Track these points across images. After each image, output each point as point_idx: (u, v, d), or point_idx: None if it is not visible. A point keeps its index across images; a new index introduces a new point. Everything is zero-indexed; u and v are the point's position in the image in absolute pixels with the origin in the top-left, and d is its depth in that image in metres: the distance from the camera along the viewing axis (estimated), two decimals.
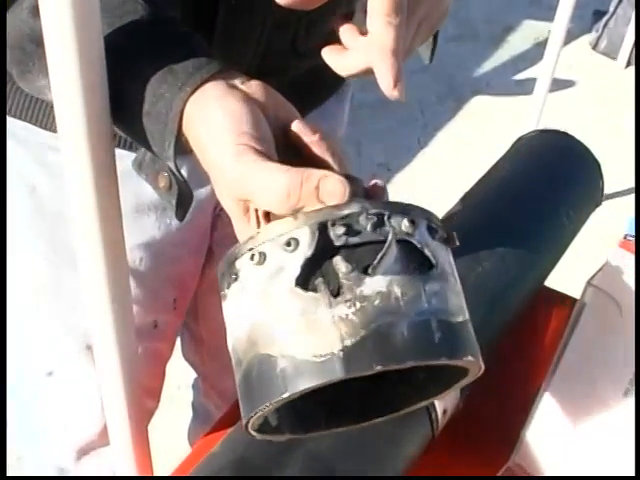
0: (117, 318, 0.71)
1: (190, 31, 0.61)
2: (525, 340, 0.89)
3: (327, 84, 0.97)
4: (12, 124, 0.82)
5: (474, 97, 3.14)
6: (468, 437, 0.79)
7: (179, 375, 1.32)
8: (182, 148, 0.57)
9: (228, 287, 0.52)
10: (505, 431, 0.80)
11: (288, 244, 0.49)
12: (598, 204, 0.97)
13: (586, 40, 3.48)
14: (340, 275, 0.48)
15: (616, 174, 1.74)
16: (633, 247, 0.61)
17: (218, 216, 0.97)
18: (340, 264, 0.49)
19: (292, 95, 0.77)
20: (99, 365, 0.76)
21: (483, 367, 0.53)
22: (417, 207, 0.52)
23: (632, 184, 2.43)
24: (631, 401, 0.66)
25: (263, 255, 0.50)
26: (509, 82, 3.21)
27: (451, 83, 3.19)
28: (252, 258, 0.50)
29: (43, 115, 0.80)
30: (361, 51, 0.61)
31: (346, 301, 0.48)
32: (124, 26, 0.59)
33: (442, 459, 0.78)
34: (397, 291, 0.48)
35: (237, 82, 0.57)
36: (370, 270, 0.48)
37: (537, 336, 0.90)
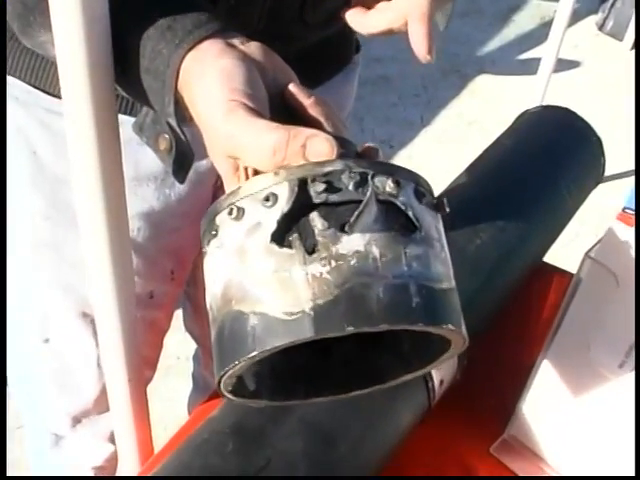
0: (118, 284, 0.71)
1: None
2: (523, 314, 0.89)
3: (334, 59, 0.97)
4: (15, 86, 0.82)
5: (478, 75, 3.13)
6: (464, 408, 0.80)
7: (178, 346, 1.33)
8: (181, 106, 0.57)
9: (208, 244, 0.52)
10: (501, 403, 0.80)
11: (267, 199, 0.48)
12: (599, 181, 0.97)
13: (592, 21, 3.47)
14: (316, 232, 0.47)
15: (618, 155, 1.74)
16: (631, 220, 0.61)
17: (219, 188, 0.97)
18: (316, 220, 0.48)
19: (297, 68, 0.77)
20: (99, 330, 0.77)
21: (467, 340, 0.51)
22: (405, 169, 0.51)
23: (634, 164, 2.43)
24: (627, 374, 0.67)
25: (242, 210, 0.49)
26: (514, 61, 3.21)
27: (455, 60, 3.18)
28: (230, 212, 0.50)
29: (47, 77, 0.80)
30: (383, 12, 0.65)
31: (321, 259, 0.46)
32: None
33: (438, 429, 0.78)
34: (375, 251, 0.47)
35: (236, 42, 0.57)
36: (347, 228, 0.47)
37: (535, 310, 0.91)
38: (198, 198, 0.94)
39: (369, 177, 0.49)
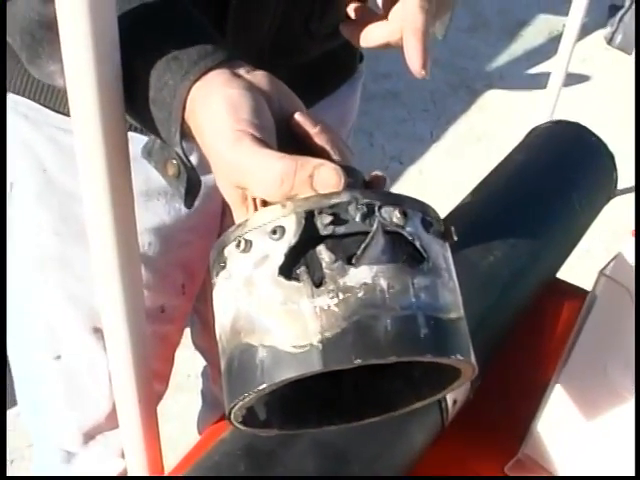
0: (128, 300, 0.71)
1: (199, 15, 0.61)
2: (536, 331, 0.88)
3: (339, 71, 0.97)
4: (24, 105, 0.82)
5: (487, 90, 3.13)
6: (478, 428, 0.79)
7: (188, 364, 1.32)
8: (188, 135, 0.58)
9: (217, 275, 0.52)
10: (515, 422, 0.80)
11: (274, 232, 0.48)
12: (611, 196, 0.97)
13: (601, 35, 3.46)
14: (323, 265, 0.47)
15: (630, 169, 1.73)
16: None
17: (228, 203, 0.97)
18: (324, 253, 0.48)
19: (304, 80, 0.77)
20: (109, 346, 0.76)
21: (476, 369, 0.51)
22: (412, 199, 0.51)
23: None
24: None
25: (249, 243, 0.49)
26: (523, 76, 3.20)
27: (464, 75, 3.18)
28: (238, 245, 0.50)
29: (56, 98, 0.81)
30: (380, 26, 0.65)
31: (329, 292, 0.47)
32: (133, 10, 0.59)
33: (452, 449, 0.78)
34: (383, 283, 0.47)
35: (242, 71, 0.57)
36: (354, 260, 0.47)
37: (548, 327, 0.90)
38: (208, 212, 0.94)
39: (376, 208, 0.49)
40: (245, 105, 0.54)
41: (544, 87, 2.40)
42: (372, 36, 0.67)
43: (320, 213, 0.48)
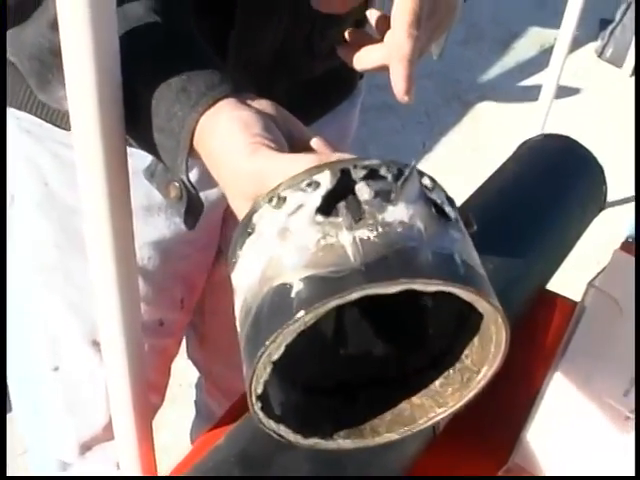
0: (125, 314, 0.72)
1: (205, 46, 0.63)
2: (526, 341, 0.89)
3: (340, 87, 0.98)
4: (26, 121, 0.83)
5: (480, 102, 3.14)
6: (468, 437, 0.80)
7: (181, 374, 1.32)
8: (193, 159, 0.59)
9: (241, 247, 0.51)
10: (505, 432, 0.80)
11: (309, 185, 0.48)
12: (601, 208, 0.98)
13: (592, 48, 3.48)
14: (362, 202, 0.47)
15: (620, 182, 1.75)
16: (634, 250, 0.61)
17: (229, 215, 0.98)
18: (363, 189, 0.47)
19: (306, 97, 0.78)
20: (106, 359, 0.77)
21: (508, 336, 0.51)
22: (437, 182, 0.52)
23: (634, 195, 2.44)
24: (632, 402, 0.67)
25: (282, 198, 0.49)
26: (515, 88, 3.22)
27: (457, 87, 3.19)
28: (270, 201, 0.49)
29: (58, 113, 0.81)
30: (374, 50, 0.67)
31: (368, 225, 0.46)
32: (141, 41, 0.61)
33: (443, 458, 0.78)
34: (420, 224, 0.47)
35: (248, 99, 0.59)
36: (392, 197, 0.47)
37: (538, 338, 0.91)
38: (208, 226, 0.95)
39: (406, 172, 0.49)
40: (257, 123, 0.55)
41: (536, 99, 2.43)
42: (367, 59, 0.68)
43: (355, 168, 0.49)
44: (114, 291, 0.70)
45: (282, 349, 0.46)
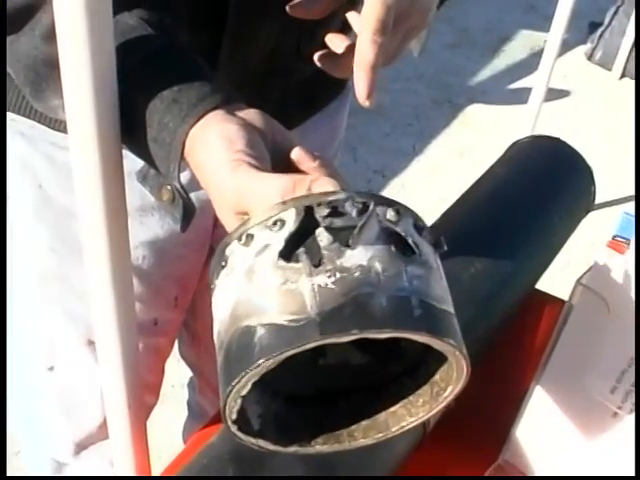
0: (120, 313, 0.72)
1: (196, 57, 0.64)
2: (516, 340, 0.90)
3: (330, 87, 0.99)
4: (20, 123, 0.84)
5: (470, 105, 3.15)
6: (458, 435, 0.80)
7: (173, 374, 1.33)
8: (186, 167, 0.61)
9: (217, 277, 0.53)
10: (495, 429, 0.81)
11: (274, 224, 0.50)
12: (590, 209, 0.99)
13: (581, 51, 3.50)
14: (322, 247, 0.49)
15: (608, 184, 1.76)
16: (622, 247, 0.62)
17: None
18: (322, 235, 0.49)
19: (297, 98, 0.79)
20: (101, 359, 0.78)
21: (469, 365, 0.52)
22: (405, 206, 0.53)
23: (624, 193, 2.45)
24: (618, 399, 0.68)
25: (250, 236, 0.51)
26: (505, 91, 3.23)
27: (447, 91, 3.21)
28: (240, 239, 0.51)
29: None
30: (347, 56, 0.67)
31: (326, 271, 0.48)
32: (133, 52, 0.62)
33: (433, 456, 0.79)
34: (378, 266, 0.48)
35: (236, 110, 0.61)
36: (351, 241, 0.49)
37: (528, 337, 0.92)
38: (201, 225, 0.95)
39: (371, 206, 0.51)
40: (241, 139, 0.57)
41: (526, 102, 2.45)
42: (338, 66, 0.70)
43: (319, 206, 0.50)
44: (109, 291, 0.70)
45: (249, 386, 0.49)
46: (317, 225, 0.50)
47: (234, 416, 0.52)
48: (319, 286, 0.47)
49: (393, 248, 0.50)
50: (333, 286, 0.47)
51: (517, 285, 0.86)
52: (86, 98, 0.58)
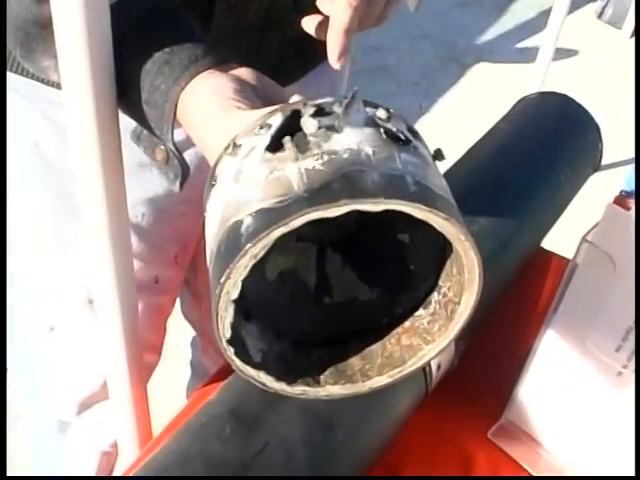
0: (118, 271, 0.72)
1: (189, 18, 0.64)
2: (520, 299, 0.89)
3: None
4: (16, 80, 0.82)
5: (477, 64, 3.13)
6: (462, 394, 0.80)
7: (177, 334, 1.33)
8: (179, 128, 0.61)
9: (208, 198, 0.52)
10: (498, 388, 0.81)
11: (261, 128, 0.49)
12: (597, 167, 0.97)
13: (591, 9, 3.46)
14: (308, 134, 0.47)
15: (616, 143, 1.74)
16: (628, 203, 0.61)
17: None
18: (308, 122, 0.48)
19: (294, 53, 0.77)
20: (100, 319, 0.77)
21: (478, 259, 0.50)
22: (398, 113, 0.51)
23: (632, 154, 2.43)
24: (623, 357, 0.67)
25: (238, 145, 0.50)
26: (512, 50, 3.20)
27: (454, 50, 3.18)
28: (227, 149, 0.50)
29: None
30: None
31: (314, 155, 0.46)
32: (125, 15, 0.62)
33: (435, 415, 0.79)
34: (368, 149, 0.47)
35: (228, 70, 0.60)
36: (336, 123, 0.47)
37: (532, 295, 0.91)
38: (201, 182, 0.94)
39: (360, 105, 0.49)
40: (229, 88, 0.58)
41: (533, 61, 2.41)
42: (319, 29, 0.70)
43: (304, 106, 0.49)
44: (107, 249, 0.70)
45: (239, 286, 0.46)
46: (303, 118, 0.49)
47: (228, 332, 0.49)
48: (306, 169, 0.46)
49: (383, 134, 0.48)
50: (321, 167, 0.46)
51: (522, 242, 0.85)
52: (80, 54, 0.58)
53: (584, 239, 0.65)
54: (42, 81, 0.82)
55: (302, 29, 0.87)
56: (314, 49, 0.94)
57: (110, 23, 0.59)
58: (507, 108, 1.01)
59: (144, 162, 0.87)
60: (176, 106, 0.59)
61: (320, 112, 0.49)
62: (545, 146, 0.89)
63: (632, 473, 0.69)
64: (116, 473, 1.10)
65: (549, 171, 0.88)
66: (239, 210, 0.46)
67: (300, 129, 0.48)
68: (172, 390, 1.62)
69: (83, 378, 1.04)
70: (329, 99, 0.50)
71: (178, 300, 1.30)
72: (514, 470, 0.78)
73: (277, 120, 0.49)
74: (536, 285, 0.92)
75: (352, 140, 0.47)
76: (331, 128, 0.47)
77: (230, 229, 0.46)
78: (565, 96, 0.98)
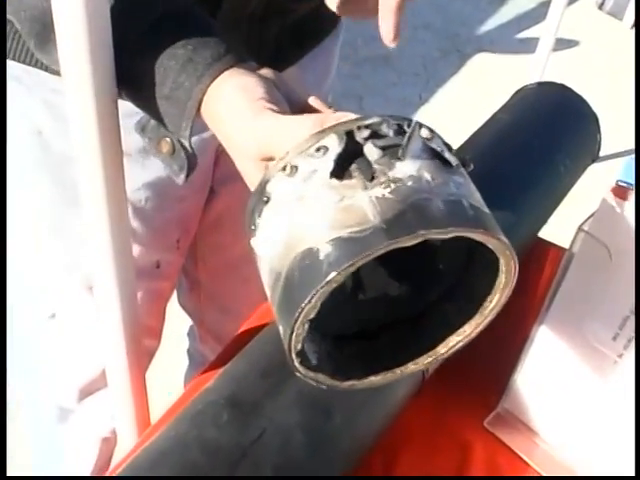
0: (118, 258, 0.72)
1: (208, 17, 0.65)
2: (517, 289, 0.89)
3: (323, 24, 0.99)
4: (16, 68, 0.82)
5: (477, 54, 3.12)
6: (458, 382, 0.80)
7: (175, 323, 1.33)
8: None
9: (260, 214, 0.53)
10: (495, 377, 0.81)
11: (317, 150, 0.51)
12: (595, 157, 0.98)
13: (592, 0, 3.45)
14: (372, 162, 0.50)
15: (615, 134, 1.74)
16: (625, 193, 0.61)
17: (220, 154, 0.98)
18: (372, 151, 0.50)
19: (293, 36, 0.78)
20: (99, 302, 0.78)
21: (516, 267, 0.54)
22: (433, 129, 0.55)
23: (631, 145, 2.43)
24: (620, 346, 0.67)
25: (295, 167, 0.52)
26: (512, 40, 3.20)
27: (455, 40, 3.17)
28: (284, 169, 0.52)
29: None
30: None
31: (381, 183, 0.49)
32: (141, 14, 0.63)
33: (432, 402, 0.79)
34: (427, 176, 0.50)
35: (249, 67, 0.62)
36: (400, 154, 0.50)
37: (529, 285, 0.91)
38: (202, 165, 0.95)
39: (405, 126, 0.52)
40: (259, 88, 0.59)
41: (534, 52, 2.41)
42: (352, 7, 0.70)
43: (358, 129, 0.52)
44: (106, 235, 0.71)
45: (317, 308, 0.50)
46: (360, 146, 0.51)
47: (299, 346, 0.52)
48: (377, 197, 0.48)
49: (437, 160, 0.52)
50: (390, 195, 0.48)
51: (520, 232, 0.85)
52: (80, 39, 0.59)
53: (580, 229, 0.65)
54: (44, 69, 0.82)
55: (300, 15, 0.88)
56: (311, 33, 0.95)
57: (109, 11, 0.59)
58: (507, 98, 1.01)
59: (146, 147, 0.88)
60: (199, 103, 0.60)
61: (374, 134, 0.52)
62: (543, 136, 0.89)
63: (629, 462, 0.69)
64: (115, 459, 1.10)
65: (547, 161, 0.88)
66: (310, 236, 0.49)
67: (358, 153, 0.51)
68: (170, 379, 1.62)
69: (84, 364, 1.05)
70: (376, 119, 0.52)
71: (177, 291, 1.30)
72: (511, 459, 0.78)
73: (332, 142, 0.51)
74: (534, 275, 0.92)
75: (412, 168, 0.50)
76: (394, 156, 0.50)
77: (304, 255, 0.49)
78: (564, 86, 0.98)
